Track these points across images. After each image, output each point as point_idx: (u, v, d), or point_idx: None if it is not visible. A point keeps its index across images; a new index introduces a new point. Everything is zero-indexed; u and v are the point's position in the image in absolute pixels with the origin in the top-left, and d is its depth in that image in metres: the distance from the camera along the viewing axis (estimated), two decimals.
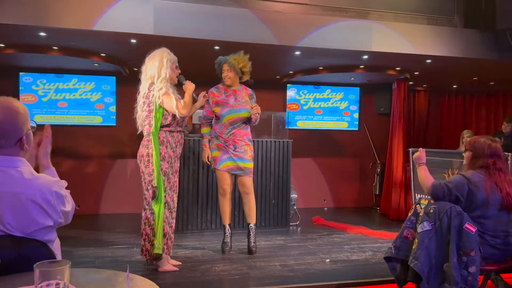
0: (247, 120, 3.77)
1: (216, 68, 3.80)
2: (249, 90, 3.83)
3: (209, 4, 4.17)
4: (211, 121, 3.83)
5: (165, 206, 3.15)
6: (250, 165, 3.77)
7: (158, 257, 3.19)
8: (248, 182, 3.78)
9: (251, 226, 3.87)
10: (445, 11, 5.02)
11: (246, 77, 3.79)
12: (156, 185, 3.10)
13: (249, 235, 3.87)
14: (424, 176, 2.59)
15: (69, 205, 1.48)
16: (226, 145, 3.70)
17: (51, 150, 1.67)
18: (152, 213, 3.14)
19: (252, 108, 3.68)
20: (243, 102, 3.73)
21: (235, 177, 3.85)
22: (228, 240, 3.89)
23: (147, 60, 3.20)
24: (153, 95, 3.12)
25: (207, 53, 4.63)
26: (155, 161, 3.10)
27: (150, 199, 3.14)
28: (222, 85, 3.81)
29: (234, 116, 3.70)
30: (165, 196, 3.15)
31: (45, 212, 1.37)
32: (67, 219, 1.48)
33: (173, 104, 3.08)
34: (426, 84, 6.85)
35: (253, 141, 3.89)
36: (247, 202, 3.83)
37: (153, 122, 3.13)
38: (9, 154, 1.41)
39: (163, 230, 3.14)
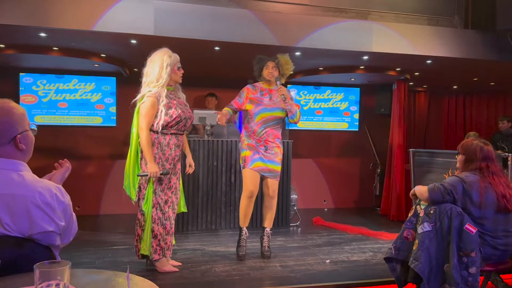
0: (281, 121, 3.70)
1: (256, 65, 3.72)
2: (285, 88, 3.72)
3: (209, 5, 4.17)
4: (234, 110, 3.73)
5: (155, 208, 3.13)
6: (279, 168, 3.69)
7: (146, 258, 3.22)
8: (274, 185, 3.69)
9: (267, 230, 3.77)
10: (445, 12, 5.03)
11: (283, 80, 3.75)
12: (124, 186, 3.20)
13: (263, 238, 3.78)
14: (420, 189, 2.57)
15: (72, 218, 1.48)
16: (258, 146, 3.63)
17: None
18: (143, 214, 3.15)
19: (279, 89, 3.57)
20: (278, 102, 3.63)
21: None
22: (244, 244, 3.73)
23: (148, 61, 3.16)
24: (142, 95, 3.11)
25: (207, 53, 4.64)
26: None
27: (140, 200, 3.16)
28: (259, 84, 3.76)
29: (267, 115, 3.62)
30: (155, 198, 3.14)
31: (46, 215, 1.36)
32: (68, 235, 1.48)
33: (143, 118, 3.04)
34: (427, 85, 6.86)
35: None
36: (270, 205, 3.73)
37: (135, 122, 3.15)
38: (5, 153, 1.41)
39: (153, 231, 3.13)
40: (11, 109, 1.43)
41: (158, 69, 3.08)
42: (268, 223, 3.77)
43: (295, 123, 3.71)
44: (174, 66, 3.16)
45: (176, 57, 3.19)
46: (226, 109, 3.66)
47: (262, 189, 3.76)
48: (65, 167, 1.69)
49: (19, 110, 1.45)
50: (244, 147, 3.68)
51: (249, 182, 3.61)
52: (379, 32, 4.51)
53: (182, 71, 3.23)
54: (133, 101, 3.18)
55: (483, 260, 2.39)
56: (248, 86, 3.76)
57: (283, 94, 3.56)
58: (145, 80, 3.15)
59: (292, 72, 3.78)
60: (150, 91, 3.08)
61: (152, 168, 3.04)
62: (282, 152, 3.74)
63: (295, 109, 3.63)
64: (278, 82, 3.63)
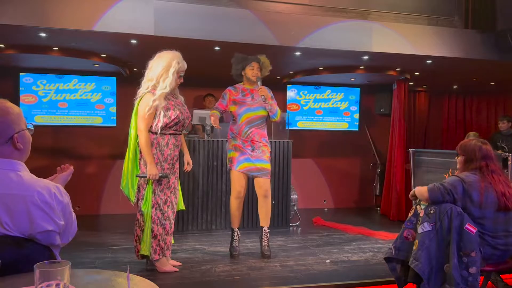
0: (265, 120, 3.74)
1: (237, 64, 3.73)
2: (265, 87, 3.74)
3: (210, 5, 4.17)
4: (220, 112, 3.75)
5: (155, 208, 3.13)
6: (268, 166, 3.69)
7: (146, 258, 3.23)
8: (266, 184, 3.69)
9: (265, 230, 3.78)
10: (445, 12, 5.02)
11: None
12: (122, 187, 3.19)
13: (262, 238, 3.79)
14: (420, 189, 2.57)
15: (71, 217, 1.48)
16: (244, 146, 3.65)
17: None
18: (142, 215, 3.15)
19: (259, 90, 3.61)
20: (259, 101, 3.67)
21: (251, 180, 3.78)
22: (237, 244, 3.79)
23: (156, 57, 3.15)
24: (142, 93, 3.11)
25: (207, 53, 4.64)
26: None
27: (139, 200, 3.16)
28: (240, 85, 3.79)
29: (251, 114, 3.66)
30: (155, 198, 3.14)
31: (45, 214, 1.36)
32: (68, 234, 1.48)
33: (142, 121, 3.04)
34: (427, 85, 6.85)
35: None
36: (265, 205, 3.73)
37: (134, 124, 3.14)
38: (3, 153, 1.41)
39: (152, 231, 3.13)
40: (7, 109, 1.43)
41: (161, 69, 3.09)
42: (265, 222, 3.77)
43: (277, 121, 3.88)
44: (178, 74, 3.17)
45: (183, 65, 3.20)
46: (216, 112, 3.70)
47: (255, 189, 3.78)
48: (69, 170, 1.69)
49: (15, 110, 1.46)
50: (231, 148, 3.72)
51: (236, 183, 3.68)
52: (379, 32, 4.51)
53: (181, 80, 3.23)
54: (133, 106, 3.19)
55: (483, 260, 2.39)
56: (229, 88, 3.78)
57: (263, 95, 3.61)
58: (147, 73, 3.16)
59: (268, 73, 3.81)
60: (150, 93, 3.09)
61: (151, 170, 3.05)
62: (269, 150, 3.77)
63: (275, 108, 3.71)
64: (259, 83, 3.68)
